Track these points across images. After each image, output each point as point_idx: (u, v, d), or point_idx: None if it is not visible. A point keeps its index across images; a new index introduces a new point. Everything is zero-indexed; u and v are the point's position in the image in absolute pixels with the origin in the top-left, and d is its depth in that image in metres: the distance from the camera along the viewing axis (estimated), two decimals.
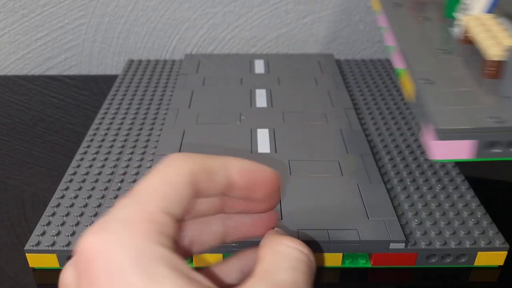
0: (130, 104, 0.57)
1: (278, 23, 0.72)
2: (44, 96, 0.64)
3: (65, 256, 0.38)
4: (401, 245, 0.38)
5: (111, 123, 0.53)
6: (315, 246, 0.37)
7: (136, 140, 0.50)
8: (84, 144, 0.50)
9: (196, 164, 0.24)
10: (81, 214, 0.41)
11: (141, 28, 0.71)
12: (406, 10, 0.46)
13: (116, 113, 0.55)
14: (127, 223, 0.21)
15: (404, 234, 0.38)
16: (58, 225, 0.39)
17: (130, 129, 0.52)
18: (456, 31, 0.41)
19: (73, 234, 0.39)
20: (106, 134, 0.51)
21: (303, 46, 0.74)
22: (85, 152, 0.48)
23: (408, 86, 0.37)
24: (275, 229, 0.29)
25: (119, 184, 0.44)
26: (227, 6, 0.70)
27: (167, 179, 0.23)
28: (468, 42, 0.38)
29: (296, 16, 0.72)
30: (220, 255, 0.38)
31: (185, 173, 0.23)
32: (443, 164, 0.47)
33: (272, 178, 0.27)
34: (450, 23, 0.42)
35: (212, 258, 0.38)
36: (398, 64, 0.40)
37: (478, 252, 0.38)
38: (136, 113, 0.55)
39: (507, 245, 0.38)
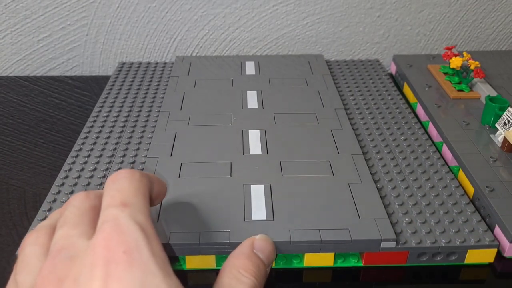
0: (121, 107, 0.57)
1: (278, 25, 0.73)
2: (46, 97, 0.64)
3: None
4: (392, 244, 0.38)
5: (102, 126, 0.53)
6: (307, 246, 0.38)
7: (128, 143, 0.50)
8: (76, 147, 0.50)
9: None
10: None
11: (142, 29, 0.71)
12: (445, 110, 0.56)
13: (107, 116, 0.55)
14: None
15: (395, 233, 0.38)
16: None
17: (121, 131, 0.52)
18: (498, 140, 0.50)
19: None
20: (97, 137, 0.51)
21: (303, 47, 0.74)
22: (77, 156, 0.48)
23: (467, 185, 0.46)
24: (258, 236, 0.34)
25: None
26: (228, 7, 0.71)
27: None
28: (510, 151, 0.49)
29: (296, 18, 0.72)
30: (213, 257, 0.38)
31: None
32: (432, 163, 0.47)
33: None
34: (488, 130, 0.52)
35: (205, 260, 0.38)
36: (452, 161, 0.50)
37: (468, 250, 0.39)
38: (128, 116, 0.55)
39: (497, 243, 0.39)
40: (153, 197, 0.31)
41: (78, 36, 0.71)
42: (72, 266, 0.24)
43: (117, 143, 0.50)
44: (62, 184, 0.44)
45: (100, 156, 0.48)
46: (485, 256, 0.39)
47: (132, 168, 0.46)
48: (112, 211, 0.25)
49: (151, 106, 0.57)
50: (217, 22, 0.72)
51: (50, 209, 0.41)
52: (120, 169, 0.29)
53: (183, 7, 0.70)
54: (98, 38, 0.72)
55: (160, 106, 0.57)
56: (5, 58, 0.72)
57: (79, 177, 0.45)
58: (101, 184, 0.44)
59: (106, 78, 0.69)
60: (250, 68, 0.65)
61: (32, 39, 0.71)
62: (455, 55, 0.59)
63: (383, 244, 0.38)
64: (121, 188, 0.27)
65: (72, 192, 0.43)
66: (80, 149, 0.49)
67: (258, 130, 0.51)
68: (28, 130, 0.57)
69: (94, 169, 0.47)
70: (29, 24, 0.70)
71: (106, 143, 0.50)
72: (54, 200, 0.43)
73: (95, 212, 0.28)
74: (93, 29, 0.71)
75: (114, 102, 0.58)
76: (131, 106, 0.57)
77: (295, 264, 0.39)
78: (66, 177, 0.45)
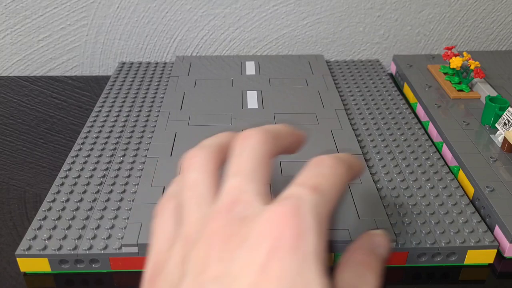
0: (121, 106, 0.57)
1: (278, 25, 0.73)
2: (46, 97, 0.64)
3: (57, 260, 0.38)
4: (392, 245, 0.38)
5: (102, 126, 0.53)
6: None
7: (128, 143, 0.50)
8: (76, 147, 0.50)
9: None
10: (73, 218, 0.40)
11: (142, 30, 0.72)
12: (445, 110, 0.56)
13: (107, 116, 0.55)
14: None
15: (395, 233, 0.39)
16: (49, 229, 0.39)
17: (121, 131, 0.52)
18: (498, 140, 0.50)
19: (64, 238, 0.38)
20: (97, 137, 0.51)
21: (303, 47, 0.74)
22: (77, 155, 0.48)
23: (467, 185, 0.46)
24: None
25: (111, 187, 0.44)
26: (228, 7, 0.71)
27: None
28: (510, 151, 0.49)
29: (296, 18, 0.72)
30: None
31: None
32: (432, 164, 0.47)
33: None
34: (488, 130, 0.52)
35: None
36: (452, 161, 0.50)
37: (468, 251, 0.39)
38: (128, 116, 0.55)
39: (497, 243, 0.39)
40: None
41: (78, 36, 0.71)
42: (242, 227, 0.23)
43: (117, 143, 0.50)
44: (62, 184, 0.44)
45: (100, 156, 0.49)
46: (485, 256, 0.39)
47: (131, 167, 0.47)
48: (301, 190, 0.24)
49: (151, 106, 0.57)
50: (217, 22, 0.72)
51: (49, 209, 0.41)
52: (328, 155, 0.26)
53: (183, 7, 0.70)
54: (98, 38, 0.72)
55: (160, 106, 0.57)
56: (5, 58, 0.72)
57: (79, 176, 0.46)
58: (101, 183, 0.44)
59: (106, 78, 0.69)
60: (250, 68, 0.65)
61: (32, 39, 0.71)
62: (455, 55, 0.59)
63: None
64: (322, 174, 0.25)
65: (71, 192, 0.43)
66: (80, 149, 0.49)
67: None
68: (28, 130, 0.57)
69: (94, 169, 0.47)
70: (29, 24, 0.70)
71: (106, 142, 0.51)
72: (54, 200, 0.43)
73: (268, 167, 0.26)
74: (93, 29, 0.71)
75: (114, 102, 0.58)
76: (131, 106, 0.57)
77: None
78: (66, 176, 0.45)
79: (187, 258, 0.24)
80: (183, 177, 0.27)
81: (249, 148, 0.26)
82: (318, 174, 0.25)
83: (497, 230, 0.41)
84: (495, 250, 0.39)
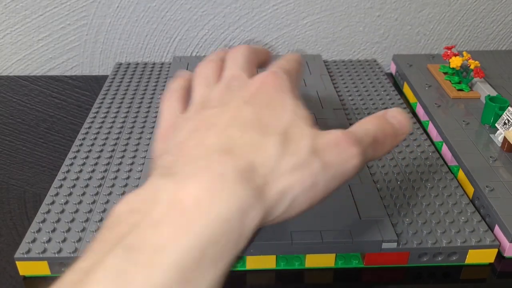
0: (119, 108, 0.57)
1: (278, 24, 0.72)
2: (46, 97, 0.64)
3: (56, 263, 0.38)
4: (393, 245, 0.38)
5: (100, 127, 0.53)
6: (308, 247, 0.38)
7: (126, 144, 0.50)
8: (74, 148, 0.50)
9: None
10: (72, 220, 0.40)
11: (142, 29, 0.71)
12: (445, 110, 0.56)
13: (105, 117, 0.55)
14: None
15: (396, 233, 0.39)
16: (48, 232, 0.39)
17: (119, 133, 0.52)
18: (498, 139, 0.50)
19: (64, 240, 0.38)
20: (95, 139, 0.51)
21: (302, 47, 0.74)
22: (75, 157, 0.48)
23: (467, 184, 0.46)
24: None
25: (110, 189, 0.44)
26: (228, 7, 0.70)
27: None
28: (510, 150, 0.49)
29: (296, 17, 0.72)
30: None
31: None
32: (431, 164, 0.47)
33: None
34: (488, 129, 0.52)
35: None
36: (452, 161, 0.50)
37: (469, 250, 0.39)
38: (126, 117, 0.55)
39: (497, 243, 0.39)
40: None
41: (77, 35, 0.71)
42: (237, 91, 0.31)
43: (115, 144, 0.50)
44: (61, 186, 0.44)
45: (99, 157, 0.48)
46: (486, 256, 0.39)
47: (130, 169, 0.47)
48: (273, 68, 0.33)
49: (149, 107, 0.57)
50: (217, 21, 0.72)
51: (48, 211, 0.41)
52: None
53: (183, 6, 0.70)
54: (98, 38, 0.71)
55: (158, 107, 0.57)
56: (5, 58, 0.72)
57: (77, 178, 0.45)
58: (100, 185, 0.44)
59: (106, 77, 0.69)
60: None
61: (31, 39, 0.71)
62: (455, 55, 0.59)
63: (384, 245, 0.38)
64: (286, 62, 0.35)
65: (70, 194, 0.43)
66: (78, 151, 0.49)
67: None
68: (28, 130, 0.57)
69: (93, 171, 0.46)
70: (29, 24, 0.70)
71: (104, 144, 0.50)
72: (53, 202, 0.42)
73: (254, 65, 0.36)
74: (93, 28, 0.71)
75: (111, 103, 0.58)
76: (129, 107, 0.57)
77: (297, 265, 0.39)
78: (65, 178, 0.45)
79: (196, 111, 0.32)
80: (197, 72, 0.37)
81: (239, 52, 0.36)
82: (283, 62, 0.35)
83: (497, 229, 0.41)
84: (496, 250, 0.39)
